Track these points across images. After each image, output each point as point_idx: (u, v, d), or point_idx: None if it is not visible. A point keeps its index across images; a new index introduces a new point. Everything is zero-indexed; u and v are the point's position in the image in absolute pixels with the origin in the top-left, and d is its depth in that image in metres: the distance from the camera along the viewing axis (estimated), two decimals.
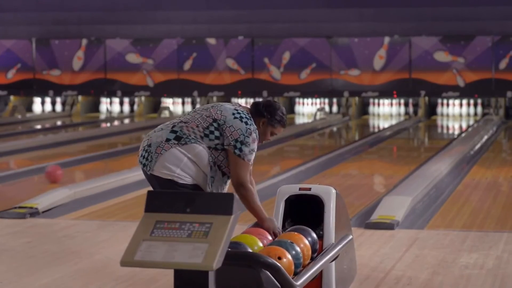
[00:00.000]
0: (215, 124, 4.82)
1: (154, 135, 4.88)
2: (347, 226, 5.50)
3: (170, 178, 4.77)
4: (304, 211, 5.35)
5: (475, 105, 21.07)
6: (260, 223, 4.93)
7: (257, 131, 4.87)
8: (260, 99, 21.56)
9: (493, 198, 9.43)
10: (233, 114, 4.83)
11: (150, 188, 4.96)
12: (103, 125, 20.60)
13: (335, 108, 21.73)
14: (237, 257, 4.28)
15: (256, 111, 4.94)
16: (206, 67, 21.33)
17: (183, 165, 4.79)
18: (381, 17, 21.05)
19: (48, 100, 23.00)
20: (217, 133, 4.81)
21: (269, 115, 4.94)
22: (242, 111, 4.89)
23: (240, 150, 4.77)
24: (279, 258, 4.41)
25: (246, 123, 4.81)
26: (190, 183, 4.81)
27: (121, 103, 22.78)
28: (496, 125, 18.68)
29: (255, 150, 4.86)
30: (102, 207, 8.97)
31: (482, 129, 17.15)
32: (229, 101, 21.64)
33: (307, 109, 21.76)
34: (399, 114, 21.29)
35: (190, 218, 3.86)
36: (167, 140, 4.80)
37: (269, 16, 21.50)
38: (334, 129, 19.16)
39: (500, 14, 20.39)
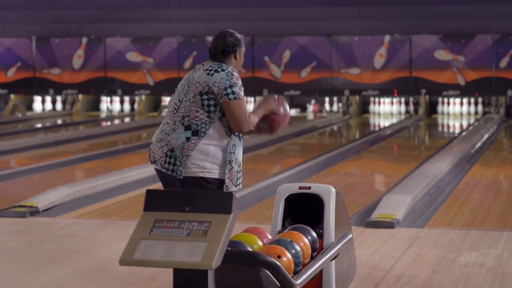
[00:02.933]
0: (205, 97, 4.88)
1: (171, 138, 4.88)
2: (347, 225, 5.49)
3: (202, 175, 4.82)
4: (304, 210, 5.34)
5: (476, 103, 21.05)
6: (267, 112, 5.09)
7: (234, 69, 4.98)
8: (261, 99, 21.63)
9: (493, 197, 9.42)
10: (207, 74, 4.91)
11: (150, 187, 4.95)
12: (104, 123, 20.60)
13: (335, 107, 21.71)
14: (236, 256, 4.28)
15: (226, 52, 5.03)
16: None
17: (211, 157, 4.86)
18: (381, 16, 21.04)
19: (48, 98, 22.99)
20: (212, 102, 4.89)
21: (237, 43, 5.09)
22: (210, 66, 4.96)
23: (233, 92, 4.88)
24: (279, 257, 4.40)
25: (222, 70, 4.92)
26: (218, 178, 4.86)
27: (122, 102, 22.77)
28: (497, 124, 18.67)
29: (241, 84, 4.99)
30: (102, 206, 8.96)
31: (483, 127, 17.14)
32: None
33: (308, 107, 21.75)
34: (399, 113, 21.28)
35: (189, 217, 3.86)
36: (188, 139, 4.84)
37: (269, 15, 21.49)
38: (335, 127, 19.15)
39: (500, 13, 20.38)
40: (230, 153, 4.88)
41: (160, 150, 4.90)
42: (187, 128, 4.85)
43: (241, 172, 4.99)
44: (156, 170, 5.01)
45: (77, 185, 9.68)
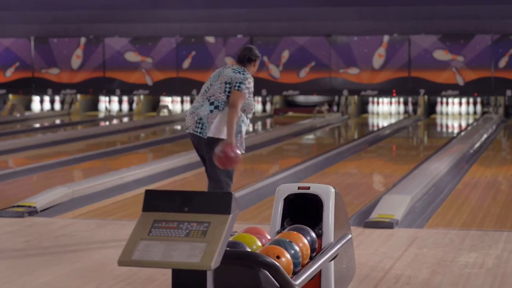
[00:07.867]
0: (227, 85, 6.81)
1: (200, 110, 6.78)
2: (346, 225, 5.48)
3: (222, 137, 6.69)
4: (303, 210, 5.33)
5: (475, 103, 21.06)
6: (231, 139, 6.70)
7: (251, 76, 6.87)
8: (259, 98, 21.69)
9: (492, 197, 9.41)
10: (233, 71, 6.86)
11: (149, 187, 4.95)
12: (102, 123, 20.58)
13: (334, 107, 21.70)
14: (235, 256, 4.26)
15: (250, 60, 6.93)
16: (205, 65, 21.31)
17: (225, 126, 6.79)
18: (380, 16, 21.03)
19: (47, 98, 22.98)
20: (230, 89, 6.77)
21: (258, 56, 6.98)
22: (237, 67, 6.89)
23: (239, 87, 6.79)
24: (278, 257, 4.39)
25: (243, 74, 6.84)
26: None
27: (120, 102, 22.76)
28: (496, 124, 18.66)
29: (250, 89, 6.84)
30: (100, 206, 8.95)
31: (482, 127, 17.14)
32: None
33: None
34: (398, 113, 21.28)
35: (188, 217, 3.84)
36: (211, 111, 6.77)
37: (268, 15, 21.48)
38: (333, 127, 19.14)
39: (499, 13, 20.38)
40: (239, 125, 6.78)
41: (192, 119, 6.81)
42: (211, 104, 6.79)
43: (242, 140, 6.84)
44: (189, 133, 6.86)
45: (76, 185, 9.66)
